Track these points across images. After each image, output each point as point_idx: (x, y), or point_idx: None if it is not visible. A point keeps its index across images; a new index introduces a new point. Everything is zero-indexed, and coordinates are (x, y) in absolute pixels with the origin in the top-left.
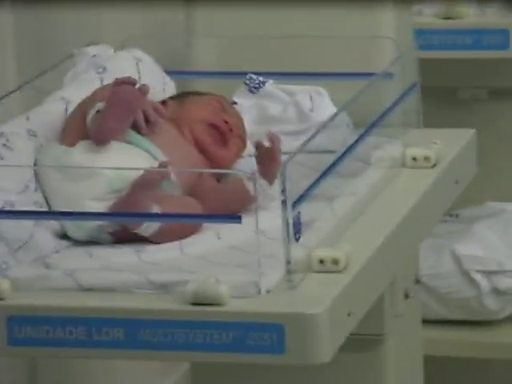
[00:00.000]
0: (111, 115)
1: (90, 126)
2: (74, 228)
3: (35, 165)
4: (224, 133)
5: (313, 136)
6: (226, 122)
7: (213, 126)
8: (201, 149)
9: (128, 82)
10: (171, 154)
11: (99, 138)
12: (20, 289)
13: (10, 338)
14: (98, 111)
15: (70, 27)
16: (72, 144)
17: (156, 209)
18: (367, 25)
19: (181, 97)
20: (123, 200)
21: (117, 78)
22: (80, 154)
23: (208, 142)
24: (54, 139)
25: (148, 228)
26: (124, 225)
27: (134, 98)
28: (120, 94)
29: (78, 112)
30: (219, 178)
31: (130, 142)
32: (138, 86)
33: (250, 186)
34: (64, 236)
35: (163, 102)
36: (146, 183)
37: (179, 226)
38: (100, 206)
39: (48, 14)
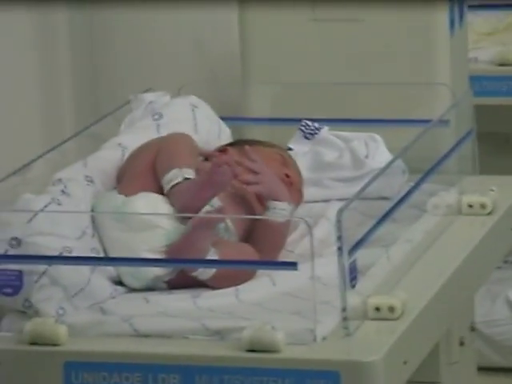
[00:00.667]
0: (205, 195)
1: (175, 193)
2: (130, 278)
3: (92, 211)
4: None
5: (369, 183)
6: (288, 176)
7: None
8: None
9: (227, 164)
10: (229, 204)
11: (187, 211)
12: (77, 334)
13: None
14: (186, 178)
15: (127, 73)
16: (131, 194)
17: (213, 251)
18: (423, 71)
19: (243, 143)
20: (181, 241)
21: (216, 155)
22: (140, 206)
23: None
24: (110, 185)
25: (205, 273)
26: (181, 270)
27: (227, 182)
28: (220, 176)
29: (141, 163)
30: None
31: None
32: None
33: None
34: (120, 282)
35: (224, 150)
36: (204, 224)
37: (236, 271)
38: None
39: (105, 60)
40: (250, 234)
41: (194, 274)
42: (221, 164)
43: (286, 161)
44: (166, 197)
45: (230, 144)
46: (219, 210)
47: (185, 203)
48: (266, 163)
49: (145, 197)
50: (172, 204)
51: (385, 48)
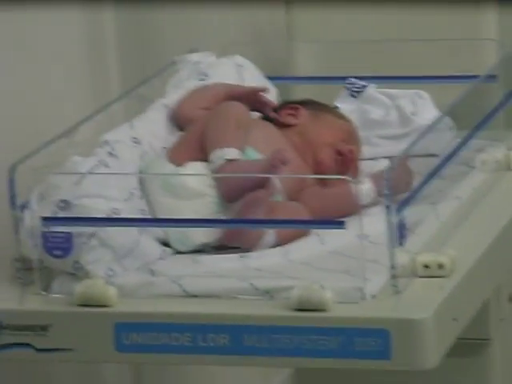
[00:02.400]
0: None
1: (217, 172)
2: (178, 243)
3: (140, 173)
4: (347, 162)
5: (416, 140)
6: (351, 152)
7: (339, 154)
8: (318, 172)
9: (283, 162)
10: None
11: (228, 197)
12: (126, 296)
13: (117, 345)
14: (228, 160)
15: (172, 34)
16: (180, 164)
17: (271, 232)
18: (470, 27)
19: (315, 109)
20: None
21: (274, 154)
22: (189, 176)
23: (330, 168)
24: (157, 146)
25: (265, 245)
26: (233, 245)
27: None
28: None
29: (192, 133)
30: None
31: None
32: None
33: (355, 190)
34: (169, 243)
35: (296, 108)
36: (257, 201)
37: (290, 233)
38: None
39: (150, 20)
40: (300, 192)
41: (255, 249)
42: (277, 163)
43: (352, 135)
44: None
45: (301, 102)
46: (279, 156)
47: (231, 190)
48: (333, 134)
49: (193, 166)
50: (218, 186)
51: (432, 5)
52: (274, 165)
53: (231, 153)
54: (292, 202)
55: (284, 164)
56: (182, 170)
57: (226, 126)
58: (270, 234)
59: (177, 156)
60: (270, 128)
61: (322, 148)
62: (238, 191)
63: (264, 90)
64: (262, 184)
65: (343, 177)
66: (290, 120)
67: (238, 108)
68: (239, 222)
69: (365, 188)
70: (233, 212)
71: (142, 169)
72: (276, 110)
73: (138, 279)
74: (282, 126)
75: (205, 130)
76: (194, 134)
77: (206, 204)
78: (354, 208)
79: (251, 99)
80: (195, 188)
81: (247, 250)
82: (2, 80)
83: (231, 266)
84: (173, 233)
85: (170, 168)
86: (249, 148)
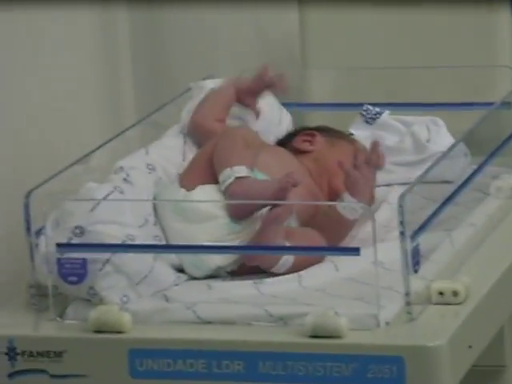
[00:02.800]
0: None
1: (227, 192)
2: (193, 268)
3: (154, 199)
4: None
5: (431, 166)
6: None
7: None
8: (333, 198)
9: (294, 184)
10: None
11: (237, 216)
12: (140, 322)
13: (131, 371)
14: (236, 178)
15: (187, 60)
16: (191, 188)
17: (287, 243)
18: (484, 54)
19: (331, 136)
20: (255, 238)
21: (285, 178)
22: (200, 199)
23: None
24: (172, 173)
25: (283, 267)
26: (251, 265)
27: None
28: (278, 197)
29: (202, 156)
30: None
31: None
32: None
33: (343, 212)
34: (183, 270)
35: (312, 134)
36: (276, 218)
37: (307, 259)
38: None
39: (166, 47)
40: (313, 219)
41: (273, 270)
42: (287, 185)
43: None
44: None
45: (317, 129)
46: (291, 179)
47: (239, 209)
48: (350, 161)
49: (202, 190)
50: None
51: (446, 31)
52: (284, 187)
53: (241, 171)
54: (307, 228)
55: (295, 186)
56: (192, 194)
57: (233, 146)
58: (288, 257)
59: (188, 180)
60: (285, 153)
61: (337, 175)
62: (246, 209)
63: (266, 68)
64: (272, 204)
65: (358, 203)
66: (306, 146)
67: (245, 130)
68: (254, 248)
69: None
70: (247, 233)
71: (156, 195)
72: (292, 135)
73: (153, 305)
74: (298, 152)
75: (214, 153)
76: (203, 158)
77: (218, 226)
78: (347, 227)
79: (260, 84)
80: (206, 211)
81: (265, 270)
82: (18, 105)
83: (245, 293)
84: (187, 258)
85: (181, 193)
86: (256, 172)
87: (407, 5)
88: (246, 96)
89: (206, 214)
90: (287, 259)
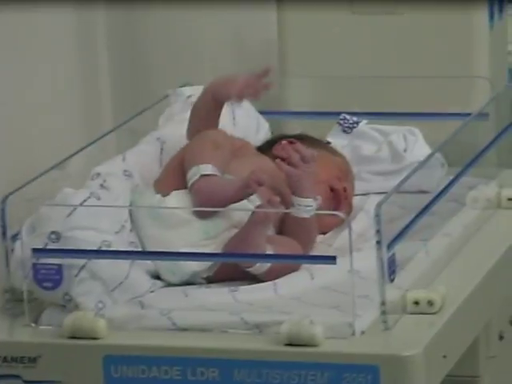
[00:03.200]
0: (227, 201)
1: (192, 188)
2: (169, 273)
3: (130, 205)
4: (339, 200)
5: (408, 176)
6: (345, 190)
7: (332, 191)
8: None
9: (259, 183)
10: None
11: (201, 213)
12: (116, 328)
13: (106, 377)
14: (202, 175)
15: (165, 67)
16: (166, 193)
17: (269, 248)
18: (462, 65)
19: (310, 143)
20: (238, 237)
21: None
22: (173, 205)
23: (323, 205)
24: (149, 179)
25: (260, 268)
26: (219, 266)
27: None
28: (247, 190)
29: (175, 161)
30: None
31: None
32: None
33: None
34: (159, 276)
35: (291, 142)
36: (262, 220)
37: (286, 265)
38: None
39: (143, 54)
40: (282, 226)
41: (250, 269)
42: (251, 184)
43: (347, 173)
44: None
45: (298, 137)
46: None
47: (207, 201)
48: (328, 171)
49: (176, 195)
50: (193, 201)
51: (423, 41)
52: (248, 185)
53: (207, 169)
54: (284, 236)
55: (260, 185)
56: (167, 199)
57: (201, 146)
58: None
59: (163, 185)
60: (264, 160)
61: (316, 184)
62: (210, 206)
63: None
64: (236, 201)
65: (335, 212)
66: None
67: (216, 132)
68: (230, 256)
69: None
70: (222, 238)
71: (132, 201)
72: (271, 143)
73: (128, 312)
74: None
75: (184, 156)
76: (176, 162)
77: (193, 231)
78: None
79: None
80: (181, 216)
81: (240, 277)
82: None
83: (221, 300)
84: (163, 263)
85: (156, 198)
86: (227, 175)
87: (384, 13)
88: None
89: (180, 220)
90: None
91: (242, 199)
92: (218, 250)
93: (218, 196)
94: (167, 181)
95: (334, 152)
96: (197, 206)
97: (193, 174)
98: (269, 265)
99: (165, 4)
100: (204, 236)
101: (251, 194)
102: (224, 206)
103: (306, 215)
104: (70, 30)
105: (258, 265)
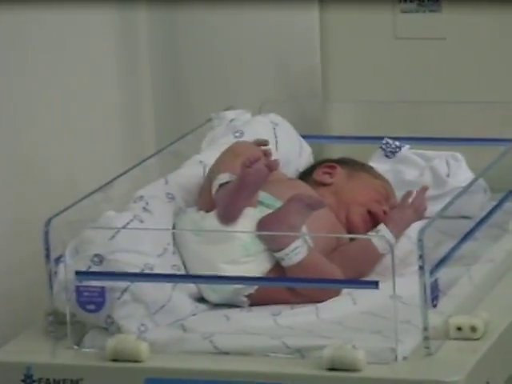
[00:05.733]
0: (240, 198)
1: (215, 199)
2: (209, 291)
3: (173, 228)
4: (377, 221)
5: (451, 202)
6: (385, 213)
7: (371, 214)
8: (349, 230)
9: (256, 161)
10: (313, 221)
11: (226, 217)
12: (157, 351)
13: None
14: (220, 185)
15: (208, 91)
16: (209, 209)
17: (304, 229)
18: (507, 90)
19: (351, 167)
20: (275, 213)
21: (245, 158)
22: (216, 220)
23: (360, 228)
24: (191, 202)
25: (294, 254)
26: (259, 289)
27: (262, 179)
28: (250, 176)
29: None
30: None
31: (261, 203)
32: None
33: (377, 243)
34: (201, 299)
35: (333, 167)
36: (301, 199)
37: (320, 268)
38: (235, 269)
39: (185, 78)
40: (332, 253)
41: (282, 252)
42: (250, 163)
43: (388, 196)
44: None
45: (338, 161)
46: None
47: (224, 209)
48: (369, 195)
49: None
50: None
51: (466, 66)
52: (245, 164)
53: (223, 177)
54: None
55: (255, 160)
56: (210, 215)
57: (221, 157)
58: (301, 245)
59: (205, 202)
60: (301, 186)
61: (355, 208)
62: (232, 210)
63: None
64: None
65: (368, 236)
66: (326, 179)
67: (237, 143)
68: (272, 280)
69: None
70: (264, 255)
71: (176, 223)
72: (314, 167)
73: (170, 335)
74: (318, 184)
75: None
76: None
77: (235, 247)
78: (377, 258)
79: None
80: (223, 232)
81: (283, 302)
82: (41, 133)
83: (263, 324)
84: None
85: (199, 214)
86: (263, 193)
87: (430, 37)
88: None
89: (223, 235)
90: (300, 247)
91: (251, 181)
92: (259, 267)
93: (232, 194)
94: (208, 199)
95: (377, 175)
96: (219, 214)
97: (213, 186)
98: (302, 255)
99: (210, 29)
100: (245, 253)
101: (258, 175)
102: (242, 204)
103: (381, 249)
104: (114, 53)
105: (290, 248)
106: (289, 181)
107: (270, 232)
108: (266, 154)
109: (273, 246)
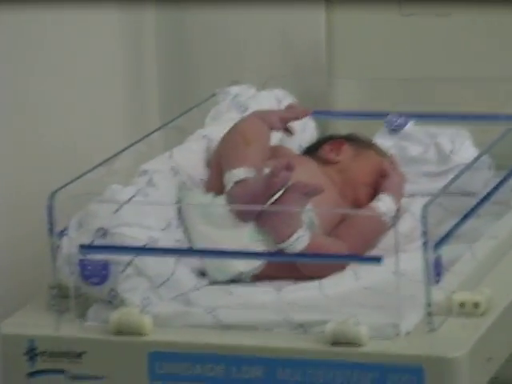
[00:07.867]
0: (263, 202)
1: (229, 196)
2: (215, 271)
3: (178, 202)
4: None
5: (455, 178)
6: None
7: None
8: (357, 206)
9: (282, 168)
10: (319, 199)
11: (245, 217)
12: (161, 325)
13: (150, 374)
14: (236, 182)
15: (213, 66)
16: (216, 193)
17: (329, 241)
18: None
19: (358, 145)
20: (273, 206)
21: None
22: (226, 206)
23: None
24: (196, 177)
25: (296, 244)
26: (265, 267)
27: (286, 184)
28: (277, 185)
29: (216, 159)
30: None
31: None
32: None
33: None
34: (204, 273)
35: (340, 144)
36: (297, 188)
37: (325, 250)
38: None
39: (190, 53)
40: (336, 228)
41: (284, 244)
42: (279, 170)
43: (394, 171)
44: None
45: (346, 137)
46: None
47: (244, 211)
48: (375, 173)
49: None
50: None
51: (472, 42)
52: (275, 174)
53: (239, 174)
54: (331, 238)
55: (289, 170)
56: (220, 198)
57: (232, 146)
58: (302, 235)
59: (212, 185)
60: (307, 163)
61: (361, 187)
62: (252, 213)
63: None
64: (273, 194)
65: (371, 213)
66: (332, 157)
67: (245, 125)
68: (278, 255)
69: (385, 204)
70: (272, 241)
71: (180, 199)
72: (320, 143)
73: (174, 309)
74: (324, 161)
75: (220, 157)
76: (217, 161)
77: (243, 233)
78: (383, 227)
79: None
80: (233, 217)
81: (287, 276)
82: (44, 107)
83: (266, 299)
84: (211, 261)
85: (209, 196)
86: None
87: (435, 13)
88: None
89: (231, 221)
90: (301, 238)
91: (277, 190)
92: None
93: (254, 198)
94: (216, 181)
95: (382, 153)
96: (237, 214)
97: (227, 181)
98: (304, 244)
99: (213, 4)
100: (254, 238)
101: (284, 184)
102: (263, 203)
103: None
104: (120, 26)
105: (291, 240)
106: (296, 157)
107: (272, 226)
108: (283, 118)
109: (275, 238)
